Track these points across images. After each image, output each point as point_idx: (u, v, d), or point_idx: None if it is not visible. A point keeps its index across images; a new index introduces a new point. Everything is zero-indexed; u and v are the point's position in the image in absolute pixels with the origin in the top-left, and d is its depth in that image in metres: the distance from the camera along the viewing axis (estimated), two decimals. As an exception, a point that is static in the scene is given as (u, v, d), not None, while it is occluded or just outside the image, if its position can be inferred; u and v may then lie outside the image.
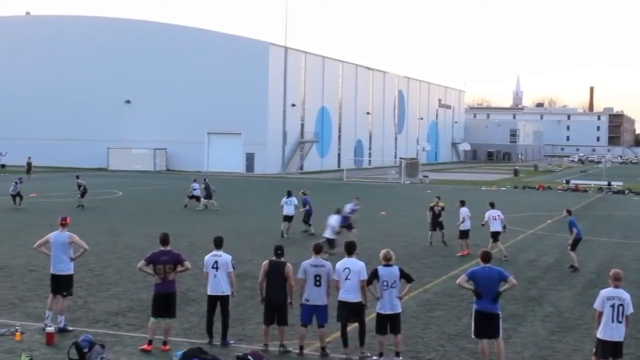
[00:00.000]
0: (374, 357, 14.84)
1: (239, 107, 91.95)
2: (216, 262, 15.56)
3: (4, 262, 25.02)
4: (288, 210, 34.51)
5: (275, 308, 15.16)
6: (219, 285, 15.54)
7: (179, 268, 15.44)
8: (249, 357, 14.27)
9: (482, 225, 29.61)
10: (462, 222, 29.33)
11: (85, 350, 14.24)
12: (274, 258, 15.35)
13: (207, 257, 15.77)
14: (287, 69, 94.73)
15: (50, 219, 33.22)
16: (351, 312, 14.87)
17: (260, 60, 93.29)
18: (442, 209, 31.95)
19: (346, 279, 14.82)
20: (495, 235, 28.78)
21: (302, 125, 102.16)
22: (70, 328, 16.34)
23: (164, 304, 15.30)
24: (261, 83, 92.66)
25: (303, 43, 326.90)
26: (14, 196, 43.26)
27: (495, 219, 28.90)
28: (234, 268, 15.86)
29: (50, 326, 15.80)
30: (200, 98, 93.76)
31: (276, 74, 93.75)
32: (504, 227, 29.42)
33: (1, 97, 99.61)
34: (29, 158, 70.53)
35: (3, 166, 79.74)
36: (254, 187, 68.43)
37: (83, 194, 44.00)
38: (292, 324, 16.05)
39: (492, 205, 29.60)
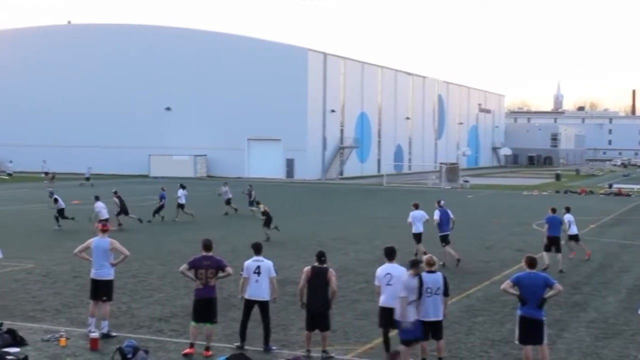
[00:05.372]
0: (417, 363, 14.74)
1: (279, 113, 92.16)
2: (258, 267, 15.59)
3: (48, 268, 25.30)
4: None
5: (317, 314, 15.14)
6: (260, 290, 15.57)
7: (221, 274, 15.52)
8: (292, 362, 14.29)
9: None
10: (569, 227, 28.74)
11: (129, 355, 14.37)
12: (316, 264, 15.34)
13: (248, 262, 15.79)
14: (326, 75, 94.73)
15: (93, 225, 33.47)
16: (393, 318, 14.74)
17: (300, 66, 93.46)
18: (262, 213, 34.78)
19: (387, 284, 14.74)
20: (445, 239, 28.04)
21: (342, 131, 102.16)
22: (114, 334, 16.47)
23: (205, 309, 15.40)
24: (300, 89, 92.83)
25: (342, 49, 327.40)
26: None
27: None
28: (276, 273, 15.91)
29: (94, 332, 15.94)
30: (240, 104, 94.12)
31: (315, 80, 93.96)
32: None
33: (44, 106, 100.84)
34: (44, 162, 69.10)
35: (46, 173, 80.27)
36: (294, 193, 68.56)
37: (125, 211, 38.69)
38: (334, 329, 16.06)
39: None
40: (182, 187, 43.34)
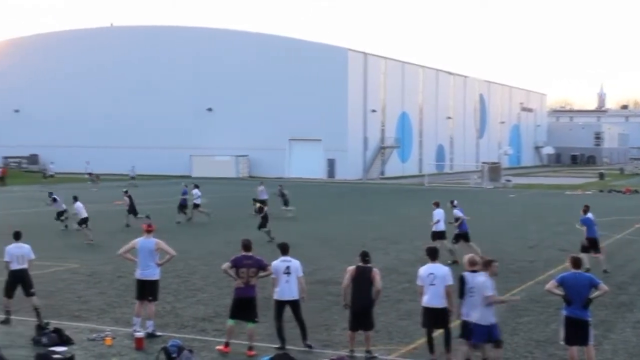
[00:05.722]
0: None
1: (320, 113, 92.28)
2: (288, 267, 15.64)
3: (92, 268, 25.56)
4: None
5: (362, 313, 15.12)
6: (291, 290, 15.61)
7: (262, 273, 15.63)
8: (335, 362, 14.29)
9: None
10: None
11: (174, 355, 14.47)
12: (360, 264, 15.32)
13: (276, 263, 15.78)
14: (367, 75, 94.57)
15: (135, 225, 33.77)
16: (436, 318, 14.72)
17: (340, 66, 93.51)
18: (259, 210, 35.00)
19: (431, 284, 14.67)
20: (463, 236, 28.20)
21: (383, 131, 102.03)
22: (159, 333, 16.59)
23: (243, 308, 15.52)
24: (341, 89, 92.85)
25: (382, 48, 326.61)
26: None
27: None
28: (302, 273, 15.95)
29: (139, 331, 16.08)
30: (280, 105, 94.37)
31: (356, 80, 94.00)
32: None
33: (87, 107, 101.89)
34: (87, 163, 70.46)
35: (90, 174, 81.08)
36: (335, 193, 68.55)
37: (133, 211, 39.25)
38: (377, 329, 16.01)
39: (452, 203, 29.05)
40: (196, 186, 44.09)
